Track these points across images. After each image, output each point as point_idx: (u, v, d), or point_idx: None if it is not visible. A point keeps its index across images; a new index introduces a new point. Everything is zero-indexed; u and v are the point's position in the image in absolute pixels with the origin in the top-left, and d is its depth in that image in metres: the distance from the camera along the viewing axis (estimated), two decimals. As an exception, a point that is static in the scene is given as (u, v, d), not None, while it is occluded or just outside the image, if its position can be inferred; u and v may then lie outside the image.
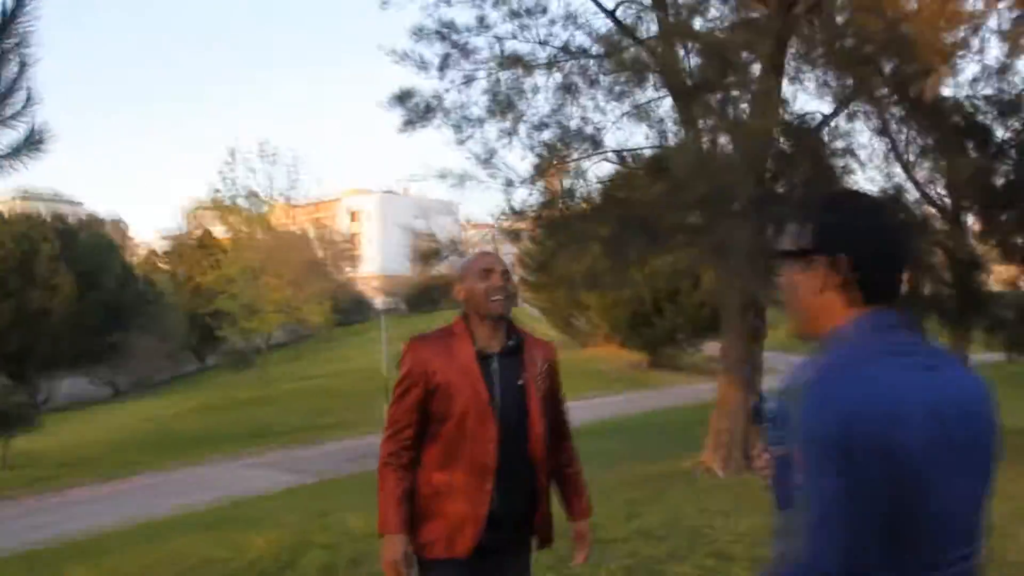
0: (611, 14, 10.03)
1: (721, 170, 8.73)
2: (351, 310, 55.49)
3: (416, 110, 10.74)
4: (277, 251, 41.70)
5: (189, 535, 8.72)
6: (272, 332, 42.85)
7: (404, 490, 2.86)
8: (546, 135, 10.84)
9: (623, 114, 10.60)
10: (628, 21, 10.25)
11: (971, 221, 18.66)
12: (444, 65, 10.37)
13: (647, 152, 10.77)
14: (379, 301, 59.69)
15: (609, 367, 34.63)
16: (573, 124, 10.74)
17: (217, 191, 43.18)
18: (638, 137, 10.72)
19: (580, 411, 23.14)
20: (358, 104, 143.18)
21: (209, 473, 18.85)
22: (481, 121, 10.66)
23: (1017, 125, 16.55)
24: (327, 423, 25.57)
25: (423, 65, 10.43)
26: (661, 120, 10.59)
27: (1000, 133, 17.05)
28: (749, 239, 8.96)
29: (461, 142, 10.78)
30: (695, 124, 10.00)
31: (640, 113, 10.51)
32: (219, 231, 48.10)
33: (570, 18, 10.14)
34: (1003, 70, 16.31)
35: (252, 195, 43.26)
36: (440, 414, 2.83)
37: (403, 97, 10.75)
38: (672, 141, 10.39)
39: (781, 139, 10.19)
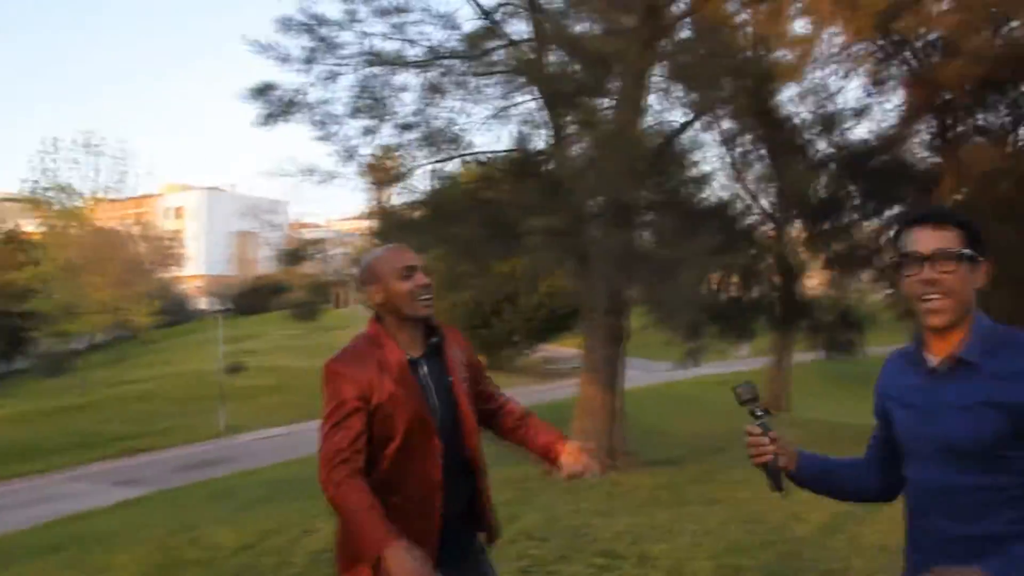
0: (487, 15, 10.02)
1: (604, 175, 8.85)
2: (174, 311, 52.96)
3: (277, 104, 10.34)
4: (99, 248, 39.08)
5: (36, 560, 7.94)
6: (95, 334, 40.23)
7: (374, 499, 2.48)
8: (410, 135, 10.69)
9: (489, 116, 10.59)
10: (502, 23, 10.27)
11: (796, 230, 19.95)
12: (310, 59, 10.03)
13: (513, 155, 10.79)
14: (204, 302, 57.26)
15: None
16: (438, 125, 10.63)
17: (35, 183, 40.17)
18: (504, 140, 10.77)
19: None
20: (192, 99, 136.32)
21: (32, 488, 17.42)
22: (345, 118, 10.39)
23: (837, 141, 17.79)
24: (156, 430, 24.16)
25: (286, 58, 10.05)
26: (532, 123, 10.64)
27: (822, 148, 18.29)
28: (617, 243, 9.18)
29: (324, 138, 10.48)
30: (564, 129, 10.12)
31: (508, 116, 10.55)
32: (33, 226, 44.61)
33: (441, 18, 10.04)
34: (824, 90, 17.60)
35: (66, 188, 40.44)
36: (382, 436, 2.57)
37: (263, 90, 10.33)
38: (540, 145, 10.48)
39: (646, 146, 10.46)
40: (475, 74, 10.18)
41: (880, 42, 14.21)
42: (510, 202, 10.46)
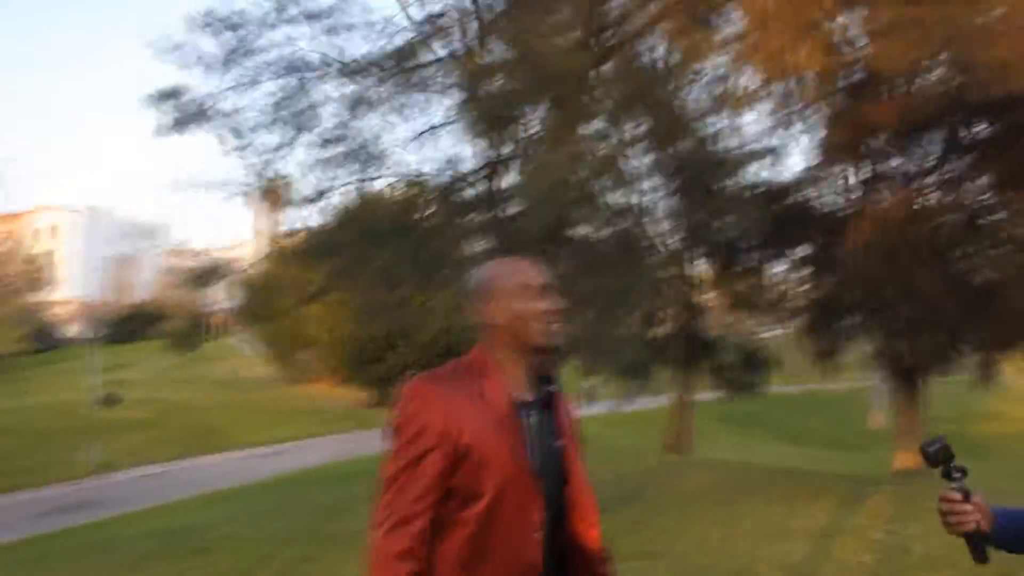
0: (424, 24, 9.42)
1: (538, 200, 8.32)
2: (43, 337, 49.60)
3: (184, 111, 9.43)
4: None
5: None
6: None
7: None
8: (331, 151, 9.93)
9: (420, 133, 9.96)
10: (437, 36, 9.68)
11: (702, 270, 19.96)
12: (229, 60, 9.18)
13: (444, 176, 10.16)
14: (76, 328, 53.94)
15: (331, 405, 33.35)
16: (362, 141, 9.93)
17: None
18: (434, 161, 10.13)
19: (310, 451, 21.75)
20: (67, 112, 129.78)
21: None
22: (261, 129, 9.56)
23: (748, 181, 17.89)
24: (17, 468, 22.10)
25: (199, 61, 9.18)
26: (465, 142, 10.05)
27: (732, 187, 18.35)
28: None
29: (237, 150, 9.61)
30: (500, 148, 9.58)
31: (439, 134, 9.93)
32: None
33: (373, 26, 9.39)
34: (739, 128, 17.70)
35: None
36: (467, 491, 1.97)
37: (170, 95, 9.41)
38: (472, 166, 9.88)
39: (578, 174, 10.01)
40: (407, 87, 9.54)
41: (800, 80, 14.30)
42: (440, 227, 9.82)
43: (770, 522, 8.44)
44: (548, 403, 2.13)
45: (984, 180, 13.35)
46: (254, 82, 9.39)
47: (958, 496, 1.80)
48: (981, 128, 13.10)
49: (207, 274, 10.48)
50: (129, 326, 55.02)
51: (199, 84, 11.50)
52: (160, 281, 62.09)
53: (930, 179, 14.41)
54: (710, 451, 20.37)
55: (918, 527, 8.10)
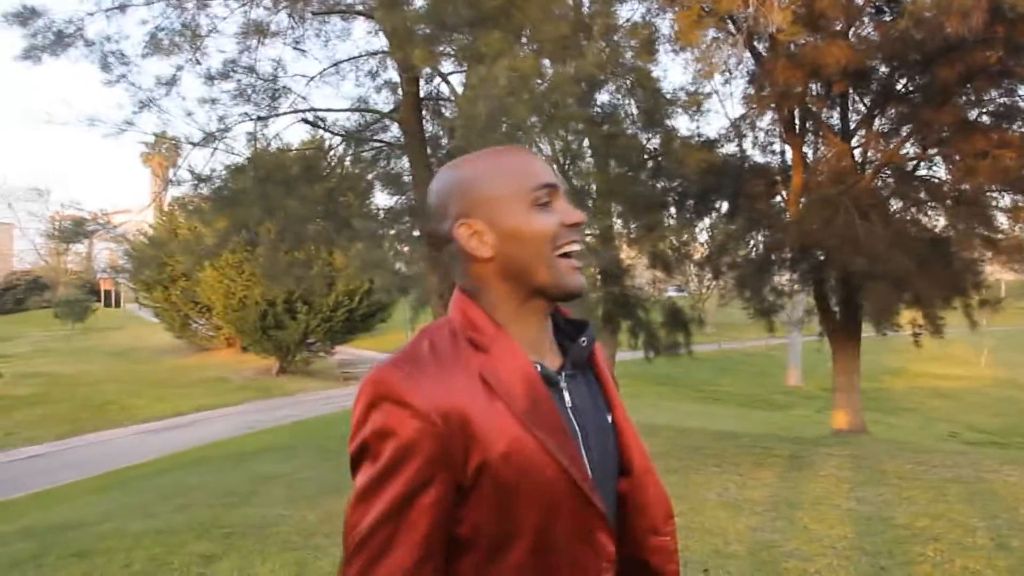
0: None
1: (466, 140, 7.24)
2: None
3: (44, 35, 7.98)
4: None
5: None
6: None
7: None
8: (221, 87, 8.62)
9: (326, 68, 8.72)
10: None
11: (621, 227, 19.24)
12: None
13: (354, 117, 8.96)
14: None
15: (233, 374, 31.76)
16: (260, 75, 8.65)
17: None
18: (344, 98, 8.84)
19: (212, 424, 20.38)
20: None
21: None
22: (138, 59, 8.18)
23: (668, 133, 17.15)
24: None
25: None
26: (380, 78, 8.86)
27: (645, 143, 17.61)
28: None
29: (109, 83, 8.20)
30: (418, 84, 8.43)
31: (350, 69, 8.70)
32: None
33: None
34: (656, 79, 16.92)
35: None
36: (493, 535, 1.21)
37: (25, 16, 7.92)
38: (388, 106, 8.71)
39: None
40: (313, 13, 8.26)
41: (727, 25, 13.53)
42: (347, 176, 8.65)
43: (726, 492, 7.81)
44: (586, 365, 1.39)
45: (918, 133, 12.88)
46: (123, 6, 7.97)
47: None
48: (917, 78, 12.59)
49: (78, 228, 9.05)
50: (9, 297, 51.69)
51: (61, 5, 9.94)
52: (46, 248, 58.69)
53: (863, 131, 13.91)
54: (635, 413, 19.79)
55: (888, 493, 7.55)
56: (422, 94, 9.13)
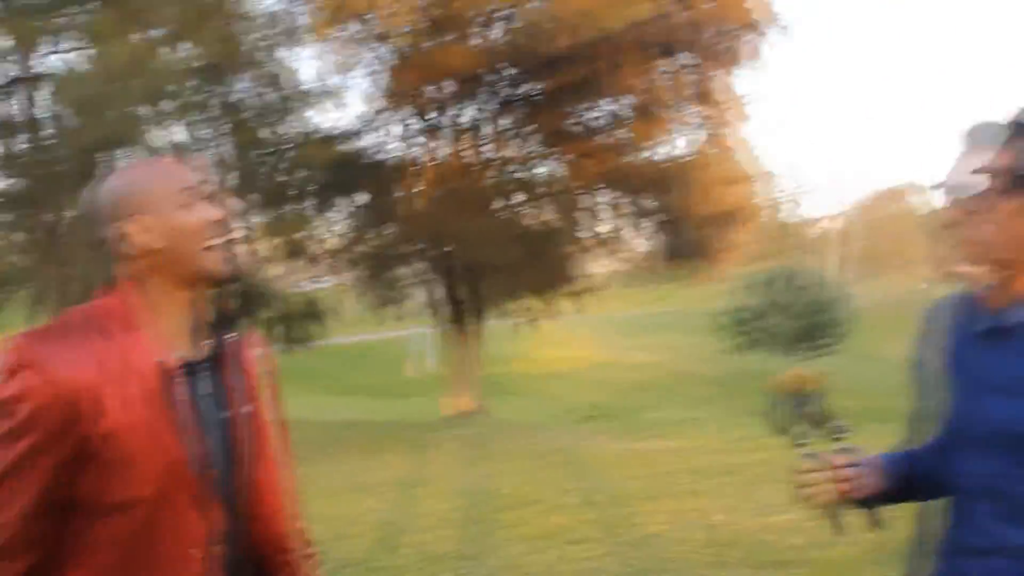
0: None
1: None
2: None
3: None
4: None
5: None
6: None
7: None
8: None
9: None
10: None
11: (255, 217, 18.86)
12: None
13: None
14: None
15: None
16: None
17: None
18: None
19: None
20: None
21: None
22: None
23: (296, 127, 17.14)
24: None
25: None
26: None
27: (281, 133, 17.49)
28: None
29: None
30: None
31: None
32: None
33: None
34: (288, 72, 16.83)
35: None
36: (106, 501, 1.35)
37: None
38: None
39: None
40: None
41: (360, 24, 13.93)
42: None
43: (353, 478, 8.14)
44: (229, 359, 1.50)
45: (533, 135, 14.20)
46: None
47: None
48: (531, 85, 13.87)
49: None
50: None
51: None
52: None
53: (485, 131, 14.98)
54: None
55: (498, 467, 8.30)
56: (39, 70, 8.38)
